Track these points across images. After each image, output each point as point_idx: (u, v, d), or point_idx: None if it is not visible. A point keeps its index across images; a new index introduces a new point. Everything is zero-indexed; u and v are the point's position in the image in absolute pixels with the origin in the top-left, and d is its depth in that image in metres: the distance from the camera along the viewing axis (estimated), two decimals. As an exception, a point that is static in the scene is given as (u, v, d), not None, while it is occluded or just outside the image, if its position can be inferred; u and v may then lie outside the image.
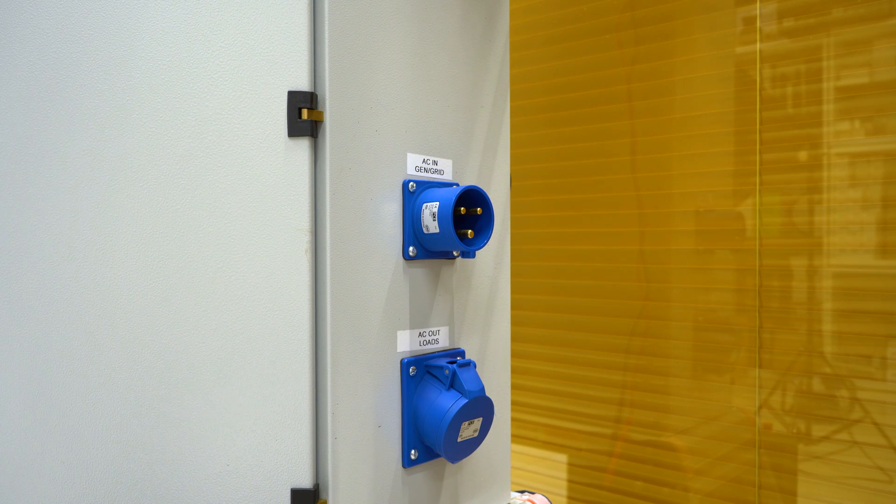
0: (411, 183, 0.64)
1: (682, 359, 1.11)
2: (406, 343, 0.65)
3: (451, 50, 0.69)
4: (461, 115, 0.71)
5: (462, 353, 0.70)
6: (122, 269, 0.61)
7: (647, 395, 1.15)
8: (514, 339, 1.29)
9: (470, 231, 0.65)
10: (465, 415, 0.63)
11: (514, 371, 1.28)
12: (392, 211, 0.63)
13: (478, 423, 0.65)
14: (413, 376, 0.65)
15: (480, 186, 0.65)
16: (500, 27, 0.76)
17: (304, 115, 0.57)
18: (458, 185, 0.68)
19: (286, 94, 0.57)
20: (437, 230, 0.62)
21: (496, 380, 0.76)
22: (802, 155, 0.99)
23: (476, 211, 0.64)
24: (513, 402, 1.23)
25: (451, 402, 0.62)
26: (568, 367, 1.25)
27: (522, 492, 0.86)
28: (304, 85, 0.57)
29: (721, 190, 1.07)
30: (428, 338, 0.67)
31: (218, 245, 0.59)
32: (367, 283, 0.61)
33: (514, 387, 1.29)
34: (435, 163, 0.67)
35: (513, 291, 0.80)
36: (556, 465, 1.27)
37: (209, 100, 0.59)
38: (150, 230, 0.60)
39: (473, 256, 0.69)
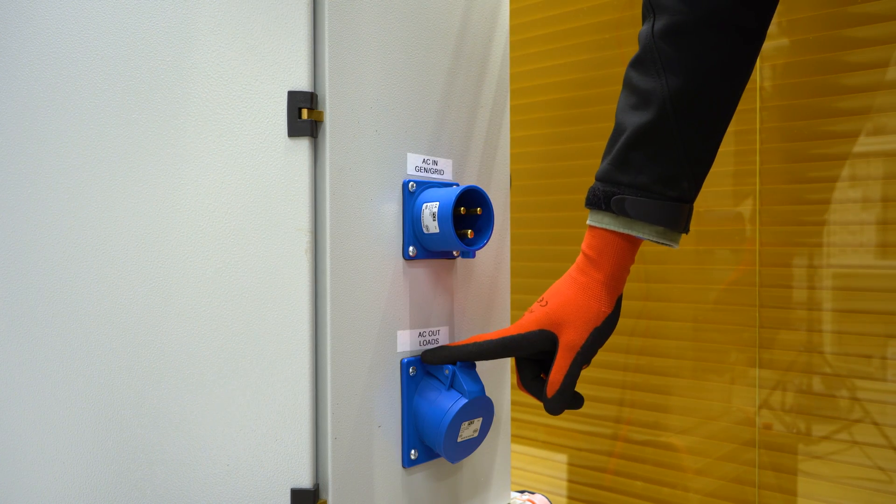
0: (411, 183, 0.64)
1: (682, 359, 1.11)
2: (406, 343, 0.65)
3: (451, 50, 0.69)
4: (461, 115, 0.71)
5: (462, 353, 0.70)
6: (123, 268, 0.61)
7: (647, 395, 1.15)
8: (514, 339, 1.29)
9: (470, 231, 0.65)
10: (465, 415, 0.63)
11: (514, 371, 1.28)
12: (392, 211, 0.63)
13: (478, 423, 0.65)
14: (413, 376, 0.65)
15: (480, 186, 0.65)
16: (500, 27, 0.76)
17: (304, 115, 0.57)
18: (458, 184, 0.68)
19: (286, 94, 0.57)
20: (437, 230, 0.62)
21: (496, 380, 0.76)
22: (803, 155, 0.99)
23: (476, 211, 0.64)
24: (513, 402, 1.23)
25: (451, 402, 0.62)
26: (568, 367, 1.24)
27: (522, 492, 0.86)
28: (304, 85, 0.57)
29: (721, 190, 1.07)
30: (428, 338, 0.67)
31: (218, 245, 0.59)
32: (367, 283, 0.61)
33: (514, 387, 1.29)
34: (435, 163, 0.67)
35: (513, 291, 0.80)
36: (556, 465, 1.27)
37: (209, 100, 0.59)
38: (149, 230, 0.60)
39: (473, 256, 0.69)
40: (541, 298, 0.64)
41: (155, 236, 0.60)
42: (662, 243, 0.62)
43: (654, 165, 0.59)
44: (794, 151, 1.00)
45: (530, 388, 0.66)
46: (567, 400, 0.63)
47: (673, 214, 0.60)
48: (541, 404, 0.65)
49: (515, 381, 0.68)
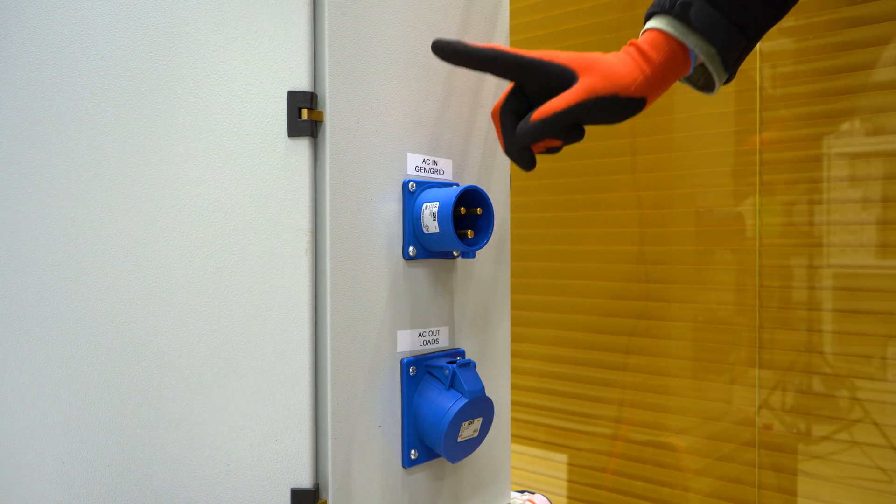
0: (411, 183, 0.64)
1: (682, 359, 1.11)
2: (406, 343, 0.65)
3: (451, 50, 0.69)
4: (461, 115, 0.71)
5: (462, 353, 0.70)
6: (122, 268, 0.61)
7: (647, 395, 1.15)
8: (514, 339, 1.29)
9: (470, 231, 0.65)
10: (465, 415, 0.63)
11: (514, 371, 1.28)
12: (392, 211, 0.63)
13: (478, 423, 0.65)
14: (413, 376, 0.65)
15: (480, 186, 0.65)
16: (500, 27, 0.76)
17: (304, 115, 0.57)
18: (458, 184, 0.68)
19: (286, 94, 0.57)
20: (437, 230, 0.62)
21: (496, 380, 0.76)
22: (802, 155, 0.99)
23: (476, 211, 0.64)
24: (513, 402, 1.23)
25: (451, 402, 0.62)
26: (568, 367, 1.25)
27: (522, 492, 0.86)
28: (304, 85, 0.57)
29: (721, 190, 1.07)
30: (428, 338, 0.67)
31: (218, 245, 0.59)
32: (367, 283, 0.61)
33: (514, 387, 1.29)
34: (435, 163, 0.67)
35: (513, 291, 0.80)
36: (556, 465, 1.27)
37: (209, 100, 0.59)
38: (149, 230, 0.60)
39: (473, 256, 0.69)
40: (574, 55, 0.61)
41: (155, 236, 0.60)
42: (704, 81, 0.62)
43: None
44: (794, 151, 1.00)
45: (504, 117, 0.62)
46: (542, 134, 0.59)
47: (731, 39, 0.60)
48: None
49: (494, 105, 0.65)
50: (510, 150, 0.62)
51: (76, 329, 0.62)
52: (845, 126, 0.96)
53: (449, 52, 0.62)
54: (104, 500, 0.62)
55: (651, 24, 0.62)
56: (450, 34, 0.69)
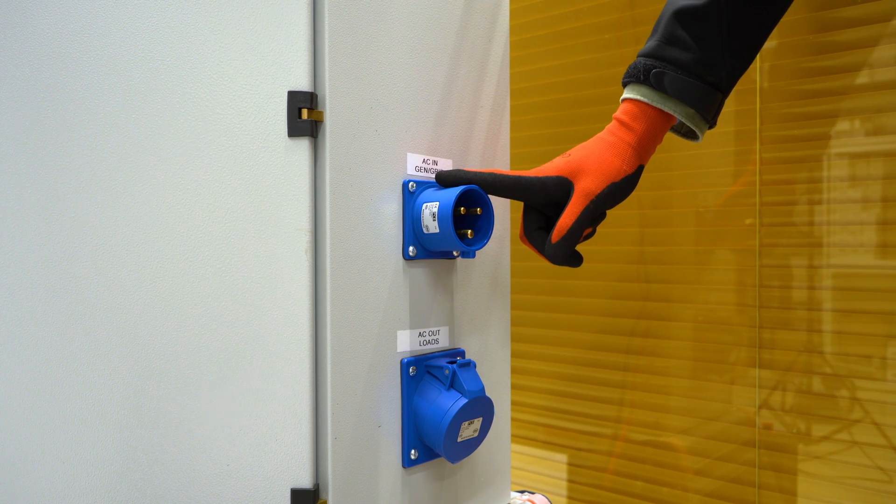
0: (411, 183, 0.64)
1: (682, 359, 1.11)
2: (406, 343, 0.65)
3: (451, 50, 0.69)
4: (461, 115, 0.71)
5: (462, 353, 0.70)
6: (123, 269, 0.61)
7: (647, 395, 1.15)
8: (514, 339, 1.29)
9: (470, 231, 0.65)
10: (465, 415, 0.63)
11: (514, 371, 1.28)
12: (392, 211, 0.63)
13: (478, 423, 0.65)
14: (413, 376, 0.65)
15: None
16: (500, 27, 0.76)
17: (304, 115, 0.57)
18: (458, 185, 0.68)
19: (286, 94, 0.57)
20: (437, 230, 0.62)
21: (496, 380, 0.76)
22: (802, 155, 0.99)
23: (476, 211, 0.64)
24: (513, 402, 1.23)
25: (451, 402, 0.62)
26: (568, 367, 1.25)
27: (522, 492, 0.86)
28: (304, 85, 0.57)
29: (721, 189, 1.07)
30: (428, 338, 0.67)
31: (218, 245, 0.59)
32: (367, 283, 0.61)
33: (514, 387, 1.29)
34: (435, 163, 0.67)
35: (513, 291, 0.80)
36: (556, 465, 1.27)
37: (209, 100, 0.59)
38: (150, 230, 0.60)
39: (473, 256, 0.69)
40: (566, 153, 0.65)
41: (155, 236, 0.60)
42: (689, 129, 0.65)
43: (699, 47, 0.62)
44: (794, 151, 1.00)
45: (532, 238, 0.66)
46: (570, 248, 0.63)
47: (707, 99, 0.63)
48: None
49: (518, 233, 0.68)
50: (555, 262, 0.64)
51: (76, 329, 0.62)
52: (845, 126, 0.96)
53: (451, 180, 0.65)
54: (104, 500, 0.62)
55: (628, 93, 0.65)
56: (450, 35, 0.69)
